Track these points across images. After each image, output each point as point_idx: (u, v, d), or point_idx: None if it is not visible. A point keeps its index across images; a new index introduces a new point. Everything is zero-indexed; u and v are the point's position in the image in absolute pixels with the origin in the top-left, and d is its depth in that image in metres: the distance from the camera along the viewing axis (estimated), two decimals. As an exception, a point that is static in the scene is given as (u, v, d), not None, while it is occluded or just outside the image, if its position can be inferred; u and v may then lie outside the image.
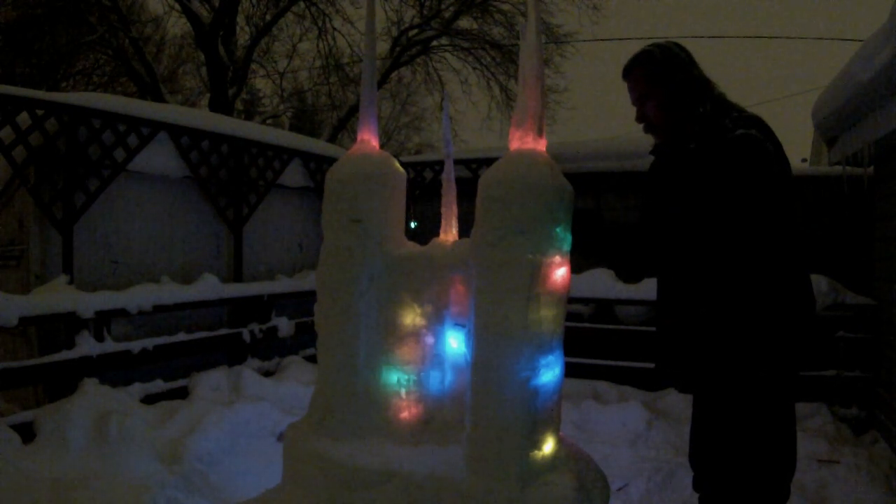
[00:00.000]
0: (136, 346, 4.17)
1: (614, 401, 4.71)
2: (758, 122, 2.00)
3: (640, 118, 2.18)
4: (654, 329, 2.35)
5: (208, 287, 4.76)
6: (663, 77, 2.09)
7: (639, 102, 2.16)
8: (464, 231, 1.94)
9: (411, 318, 1.95)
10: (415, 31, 14.31)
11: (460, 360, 1.89)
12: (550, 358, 1.71)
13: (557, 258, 1.72)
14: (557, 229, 1.71)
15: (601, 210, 6.39)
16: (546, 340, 1.70)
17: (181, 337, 4.53)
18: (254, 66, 14.93)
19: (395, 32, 14.46)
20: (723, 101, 2.09)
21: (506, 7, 14.37)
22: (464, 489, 1.68)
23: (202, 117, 5.35)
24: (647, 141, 2.25)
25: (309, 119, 19.73)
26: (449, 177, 2.11)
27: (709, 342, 1.95)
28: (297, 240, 6.34)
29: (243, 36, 14.44)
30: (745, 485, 1.96)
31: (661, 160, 2.22)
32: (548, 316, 1.69)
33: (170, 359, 4.46)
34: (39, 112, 3.89)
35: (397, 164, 2.08)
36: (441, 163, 2.42)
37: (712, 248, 1.92)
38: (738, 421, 1.95)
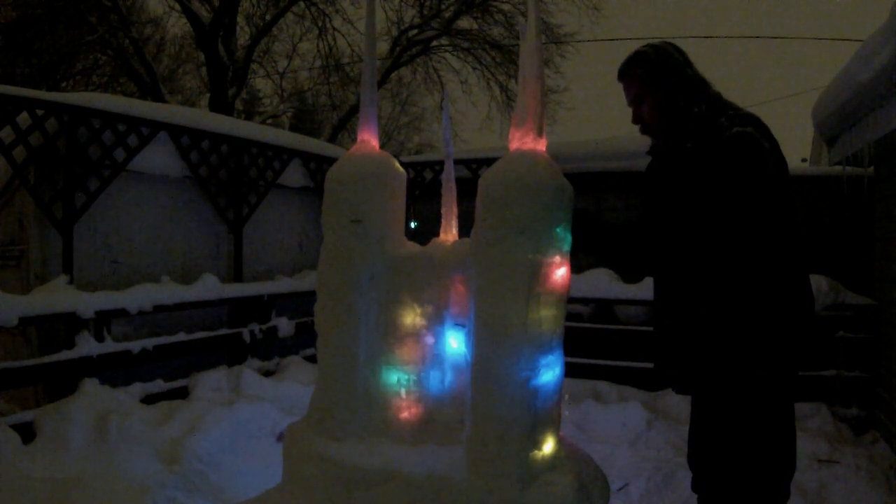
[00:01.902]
0: (136, 346, 4.17)
1: (614, 401, 4.71)
2: (754, 121, 1.99)
3: (636, 119, 2.18)
4: (652, 329, 2.35)
5: (208, 287, 4.76)
6: (658, 78, 2.09)
7: (634, 104, 2.16)
8: (464, 231, 1.95)
9: (411, 318, 1.95)
10: (415, 31, 14.32)
11: (460, 360, 1.89)
12: (550, 358, 1.71)
13: (557, 258, 1.72)
14: (557, 229, 1.71)
15: (601, 210, 6.39)
16: (546, 340, 1.70)
17: (181, 337, 4.53)
18: (254, 66, 14.95)
19: (395, 32, 14.48)
20: (719, 101, 2.08)
21: (506, 7, 14.39)
22: (464, 489, 1.68)
23: (202, 117, 5.36)
24: (647, 141, 2.26)
25: (309, 119, 19.74)
26: (449, 177, 2.11)
27: (708, 342, 1.95)
28: (297, 240, 6.34)
29: (243, 36, 14.46)
30: (745, 485, 1.95)
31: (658, 160, 2.22)
32: (548, 316, 1.69)
33: (170, 359, 4.46)
34: (39, 112, 3.89)
35: (397, 164, 2.08)
36: (441, 163, 2.43)
37: (710, 247, 1.92)
38: (738, 421, 1.95)
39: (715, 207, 1.89)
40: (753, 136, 1.91)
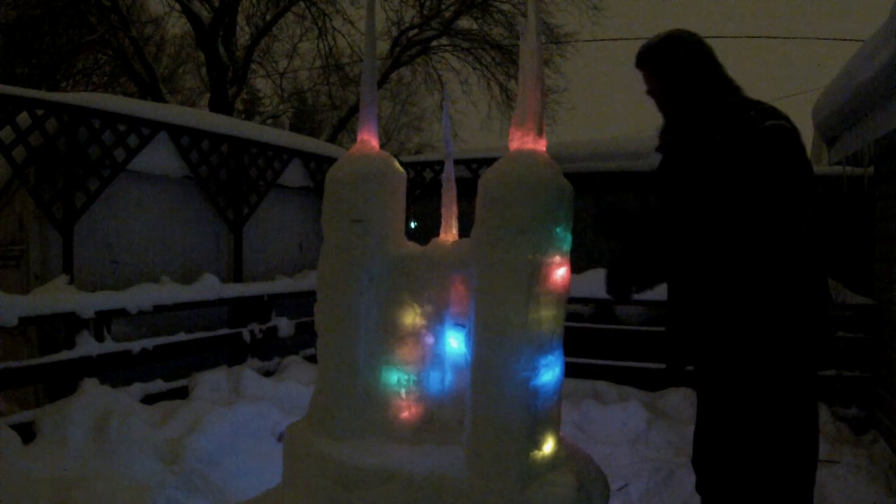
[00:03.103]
0: (136, 346, 4.17)
1: (614, 401, 4.70)
2: (784, 115, 1.93)
3: (662, 104, 2.09)
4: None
5: (208, 287, 4.76)
6: (695, 62, 2.01)
7: (663, 86, 2.07)
8: (464, 231, 1.94)
9: (411, 318, 1.95)
10: (415, 31, 14.32)
11: (460, 360, 1.89)
12: (550, 358, 1.71)
13: (557, 258, 1.72)
14: (557, 229, 1.71)
15: (601, 211, 6.39)
16: (546, 340, 1.70)
17: (181, 337, 4.54)
18: (254, 66, 14.95)
19: (395, 32, 14.49)
20: (742, 93, 2.02)
21: (506, 7, 14.40)
22: (464, 489, 1.68)
23: (202, 117, 5.35)
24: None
25: (309, 119, 19.74)
26: (449, 177, 2.11)
27: (738, 341, 1.90)
28: (297, 240, 6.34)
29: (243, 36, 14.47)
30: (782, 485, 1.90)
31: (671, 157, 2.13)
32: (548, 316, 1.70)
33: (170, 359, 4.46)
34: (39, 112, 3.88)
35: (397, 164, 2.08)
36: (441, 163, 2.43)
37: (745, 242, 1.86)
38: (772, 423, 1.89)
39: (752, 201, 1.82)
40: (792, 129, 1.86)
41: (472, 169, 6.44)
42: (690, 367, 2.12)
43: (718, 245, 1.91)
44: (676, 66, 2.03)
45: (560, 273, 1.73)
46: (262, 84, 18.61)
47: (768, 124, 1.86)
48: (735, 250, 1.88)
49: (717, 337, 1.95)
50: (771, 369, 1.88)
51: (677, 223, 2.02)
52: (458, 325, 1.89)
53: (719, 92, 1.99)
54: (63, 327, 3.92)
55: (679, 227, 2.01)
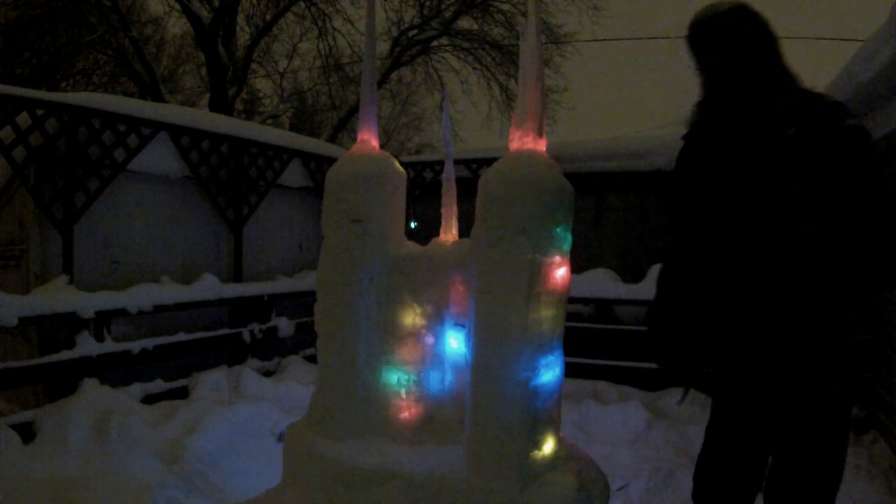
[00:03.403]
0: (136, 346, 4.17)
1: (614, 401, 4.70)
2: (853, 111, 1.81)
3: (711, 85, 1.90)
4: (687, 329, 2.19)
5: (208, 287, 4.76)
6: (765, 38, 1.85)
7: (709, 68, 1.89)
8: (464, 231, 1.94)
9: (411, 318, 1.95)
10: (415, 31, 14.33)
11: (460, 360, 1.89)
12: (550, 358, 1.71)
13: (557, 258, 1.72)
14: (557, 229, 1.71)
15: (601, 210, 6.39)
16: (546, 340, 1.70)
17: (181, 337, 4.54)
18: (254, 66, 14.96)
19: (395, 32, 14.50)
20: (799, 82, 1.86)
21: (506, 7, 14.40)
22: (464, 489, 1.68)
23: (202, 117, 5.36)
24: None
25: (309, 119, 19.74)
26: (449, 177, 2.11)
27: (803, 348, 1.80)
28: (297, 240, 6.34)
29: (243, 36, 14.47)
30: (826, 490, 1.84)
31: (712, 142, 1.94)
32: (548, 316, 1.69)
33: (170, 359, 4.47)
34: (39, 112, 3.89)
35: (397, 164, 2.08)
36: (441, 163, 2.42)
37: (772, 242, 1.78)
38: (808, 432, 1.81)
39: (851, 204, 1.69)
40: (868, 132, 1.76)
41: (472, 169, 6.44)
42: (704, 369, 2.08)
43: (767, 240, 1.80)
44: (743, 42, 1.83)
45: (560, 273, 1.73)
46: (262, 84, 18.66)
47: (852, 124, 1.73)
48: (777, 248, 1.79)
49: (752, 342, 1.85)
50: (811, 376, 1.80)
51: (717, 216, 1.89)
52: (458, 325, 1.89)
53: (783, 78, 1.83)
54: (63, 327, 3.93)
55: (717, 219, 1.88)
